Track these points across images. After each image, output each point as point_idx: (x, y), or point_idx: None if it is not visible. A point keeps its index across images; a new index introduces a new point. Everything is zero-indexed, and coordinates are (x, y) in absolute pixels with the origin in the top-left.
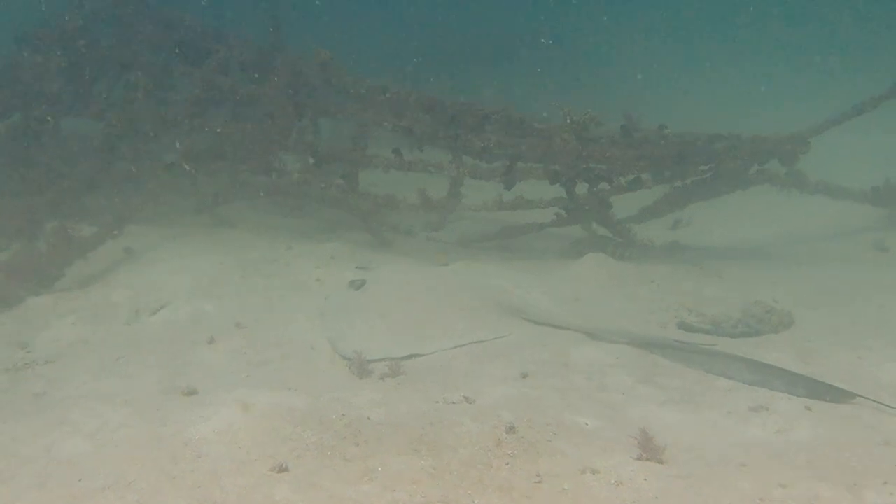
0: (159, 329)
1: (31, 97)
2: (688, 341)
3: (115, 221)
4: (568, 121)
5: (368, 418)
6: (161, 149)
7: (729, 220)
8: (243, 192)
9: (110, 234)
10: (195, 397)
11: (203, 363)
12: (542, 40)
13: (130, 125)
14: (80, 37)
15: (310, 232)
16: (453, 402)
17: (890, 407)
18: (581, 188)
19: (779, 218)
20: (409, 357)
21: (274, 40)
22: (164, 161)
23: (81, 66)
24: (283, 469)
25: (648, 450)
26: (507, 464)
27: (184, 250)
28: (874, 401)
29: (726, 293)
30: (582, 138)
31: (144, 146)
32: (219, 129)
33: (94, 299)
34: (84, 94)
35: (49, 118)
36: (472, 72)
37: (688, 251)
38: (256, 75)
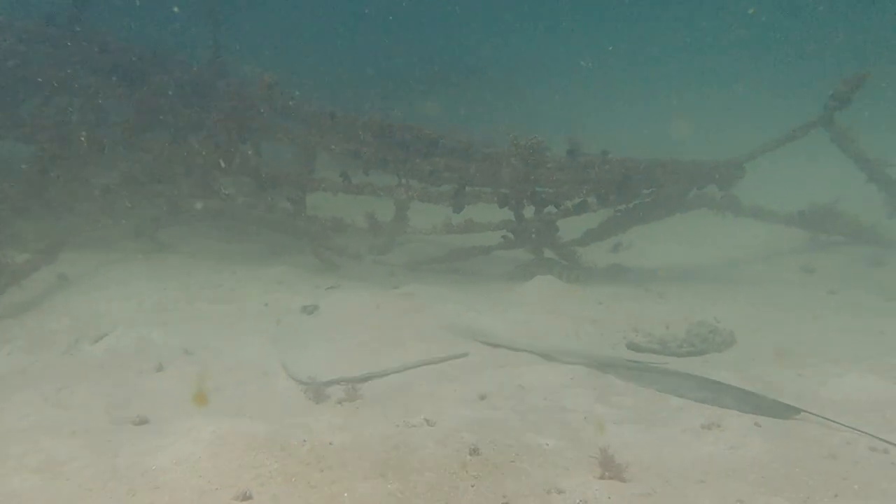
0: (102, 357)
1: None
2: (638, 360)
3: (49, 247)
4: (515, 145)
5: (331, 443)
6: (95, 172)
7: (665, 243)
8: (184, 217)
9: (44, 261)
10: (148, 427)
11: (153, 391)
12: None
13: (63, 148)
14: (9, 57)
15: (255, 256)
16: (414, 426)
17: (833, 421)
18: (529, 211)
19: (712, 240)
20: (365, 379)
21: (216, 64)
22: (101, 184)
23: (10, 86)
24: (246, 497)
25: (610, 468)
26: (472, 486)
27: (124, 276)
28: (818, 415)
29: (670, 313)
30: (529, 163)
31: (78, 170)
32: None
33: (29, 328)
34: (12, 116)
35: None
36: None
37: (630, 273)
38: (198, 99)
